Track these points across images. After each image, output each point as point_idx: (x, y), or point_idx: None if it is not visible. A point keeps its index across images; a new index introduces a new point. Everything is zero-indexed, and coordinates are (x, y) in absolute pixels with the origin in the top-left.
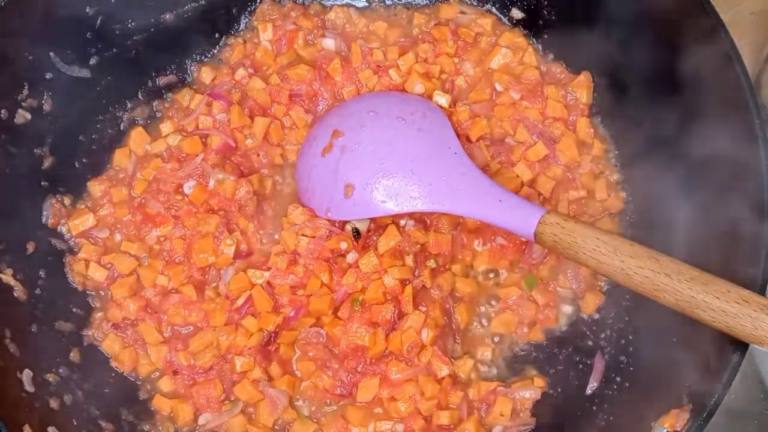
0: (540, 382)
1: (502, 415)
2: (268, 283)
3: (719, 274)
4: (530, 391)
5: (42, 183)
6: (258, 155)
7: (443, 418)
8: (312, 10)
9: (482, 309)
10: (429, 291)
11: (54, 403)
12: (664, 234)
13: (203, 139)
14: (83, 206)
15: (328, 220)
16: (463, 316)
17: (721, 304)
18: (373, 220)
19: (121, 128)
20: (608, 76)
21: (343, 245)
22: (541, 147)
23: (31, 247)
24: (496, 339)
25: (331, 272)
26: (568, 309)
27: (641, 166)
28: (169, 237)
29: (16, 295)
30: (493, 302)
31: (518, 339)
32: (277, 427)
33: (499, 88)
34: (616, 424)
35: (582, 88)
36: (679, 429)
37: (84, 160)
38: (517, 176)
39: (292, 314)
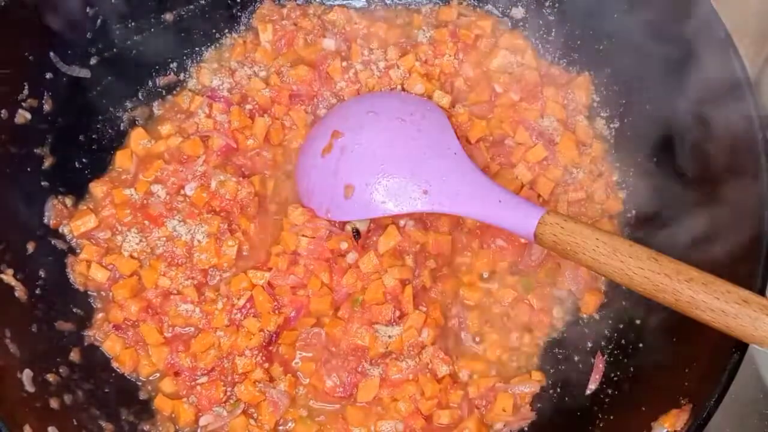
0: (537, 376)
1: (504, 411)
2: (269, 283)
3: (719, 274)
4: (529, 385)
5: (42, 183)
6: (259, 155)
7: (444, 417)
8: (312, 11)
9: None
10: (429, 291)
11: (54, 403)
12: (663, 235)
13: (204, 140)
14: (85, 207)
15: (328, 220)
16: (474, 323)
17: (721, 305)
18: (373, 220)
19: (121, 128)
20: (607, 78)
21: (343, 245)
22: (540, 148)
23: (31, 247)
24: (494, 341)
25: (332, 272)
26: (566, 310)
27: (640, 168)
28: (170, 238)
29: (16, 295)
30: (489, 304)
31: (515, 341)
32: (278, 428)
33: (498, 89)
34: (616, 424)
35: (581, 89)
36: (679, 429)
37: (84, 161)
38: (517, 178)
39: (292, 314)
